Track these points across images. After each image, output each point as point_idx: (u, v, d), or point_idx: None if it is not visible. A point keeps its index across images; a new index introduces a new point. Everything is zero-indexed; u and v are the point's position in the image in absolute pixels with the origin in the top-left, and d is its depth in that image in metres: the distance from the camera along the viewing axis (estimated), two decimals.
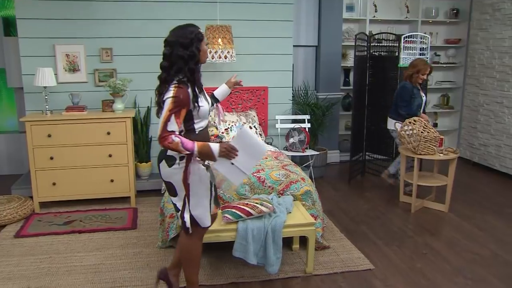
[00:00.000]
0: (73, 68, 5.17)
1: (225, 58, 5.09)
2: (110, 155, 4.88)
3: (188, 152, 2.60)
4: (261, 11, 5.64)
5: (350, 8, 6.75)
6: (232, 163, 2.73)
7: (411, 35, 5.59)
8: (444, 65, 7.18)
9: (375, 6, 6.77)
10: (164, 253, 3.93)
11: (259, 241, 3.47)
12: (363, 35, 5.77)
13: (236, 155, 2.69)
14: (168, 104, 2.58)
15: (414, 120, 4.86)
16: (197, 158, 2.70)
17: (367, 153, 6.19)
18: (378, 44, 5.89)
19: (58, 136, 4.73)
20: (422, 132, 4.73)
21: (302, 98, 6.07)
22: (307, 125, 5.59)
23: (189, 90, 2.66)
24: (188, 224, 2.85)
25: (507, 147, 6.06)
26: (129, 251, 3.97)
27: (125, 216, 4.69)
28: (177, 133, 2.60)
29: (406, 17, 6.92)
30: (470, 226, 4.59)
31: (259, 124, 5.52)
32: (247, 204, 3.55)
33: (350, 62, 6.74)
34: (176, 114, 2.59)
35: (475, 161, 6.68)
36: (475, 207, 5.09)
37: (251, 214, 3.49)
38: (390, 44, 5.71)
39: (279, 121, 5.64)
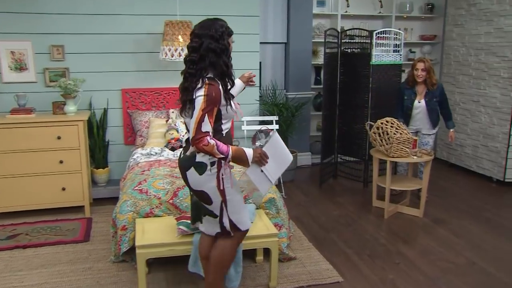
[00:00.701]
0: (19, 66, 4.77)
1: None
2: (61, 162, 4.49)
3: (222, 156, 2.45)
4: (225, 6, 5.31)
5: (321, 3, 6.47)
6: (262, 170, 2.63)
7: (383, 31, 5.33)
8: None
9: (347, 1, 6.50)
10: (117, 268, 3.58)
11: None
12: (333, 31, 5.48)
13: (267, 162, 2.62)
14: (200, 103, 2.41)
15: (386, 121, 4.59)
16: (230, 163, 2.55)
17: (339, 155, 5.91)
18: (350, 41, 5.61)
19: (1, 142, 4.33)
20: (394, 134, 4.46)
21: (270, 98, 5.76)
22: (275, 127, 5.28)
23: (220, 86, 2.50)
24: (228, 228, 2.73)
25: (484, 147, 5.84)
26: (79, 267, 3.62)
27: (77, 228, 4.32)
28: (211, 134, 2.44)
29: (380, 12, 6.67)
30: (446, 232, 4.33)
31: None
32: None
33: (321, 60, 6.44)
34: (209, 113, 2.42)
35: (452, 162, 6.46)
36: (451, 211, 4.85)
37: None
38: (362, 41, 5.43)
39: (245, 122, 5.32)
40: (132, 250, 3.43)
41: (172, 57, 4.72)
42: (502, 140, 5.56)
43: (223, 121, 2.58)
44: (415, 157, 4.51)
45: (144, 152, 4.58)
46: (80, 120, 4.51)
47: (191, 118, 2.43)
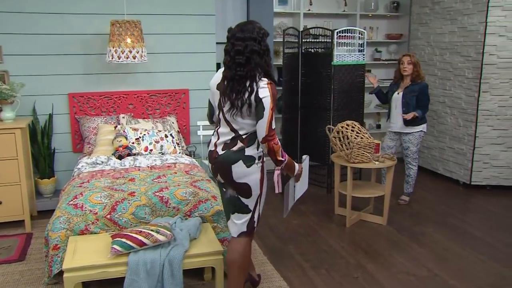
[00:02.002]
0: None
1: (134, 58, 4.44)
2: None
3: (281, 159, 2.66)
4: (178, 5, 5.02)
5: (283, 1, 6.22)
6: (295, 186, 2.89)
7: (345, 29, 5.10)
8: (386, 62, 6.77)
9: None
10: None
11: (154, 276, 2.87)
12: (293, 30, 5.23)
13: (299, 180, 2.91)
14: (269, 102, 2.55)
15: (347, 125, 4.36)
16: (281, 168, 2.74)
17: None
18: (314, 40, 5.36)
19: None
20: (355, 138, 4.24)
21: None
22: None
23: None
24: (256, 223, 2.89)
25: (450, 149, 5.67)
26: None
27: (14, 245, 3.97)
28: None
29: (344, 11, 6.45)
30: (409, 241, 4.12)
31: (178, 132, 4.90)
32: (141, 232, 2.93)
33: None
34: (274, 112, 2.60)
35: (419, 165, 6.26)
36: (416, 218, 4.65)
37: (145, 244, 2.89)
38: (323, 40, 5.20)
39: (201, 127, 5.03)
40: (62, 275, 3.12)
41: (119, 59, 4.41)
42: (467, 142, 5.39)
43: None
44: (377, 162, 4.29)
45: (89, 161, 4.26)
46: (17, 127, 4.17)
47: (261, 118, 2.55)
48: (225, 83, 2.63)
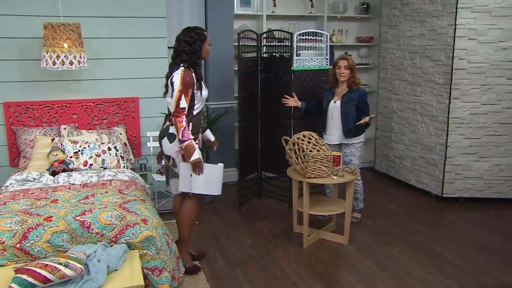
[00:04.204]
0: None
1: (70, 65, 4.04)
2: None
3: (181, 138, 3.20)
4: (125, 6, 4.65)
5: (246, 2, 5.85)
6: (191, 175, 3.30)
7: (306, 32, 4.74)
8: (357, 66, 6.39)
9: (274, 0, 5.90)
10: None
11: None
12: (249, 33, 4.86)
13: (199, 174, 3.31)
14: (177, 84, 3.19)
15: (304, 136, 4.00)
16: (181, 148, 3.28)
17: (263, 172, 5.28)
18: (272, 44, 5.01)
19: None
20: (310, 151, 3.87)
21: None
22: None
23: (193, 74, 3.26)
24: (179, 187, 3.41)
25: (422, 159, 5.33)
26: None
27: None
28: (186, 111, 3.21)
29: (311, 13, 6.10)
30: (370, 263, 3.76)
31: (124, 144, 4.50)
32: (46, 265, 2.52)
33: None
34: (185, 93, 3.20)
35: (391, 175, 5.93)
36: (381, 236, 4.28)
37: (50, 281, 2.48)
38: (282, 44, 4.85)
39: (151, 138, 4.64)
40: None
41: (54, 65, 4.01)
42: (439, 151, 5.05)
43: (195, 103, 3.33)
44: (335, 177, 3.92)
45: (19, 178, 3.84)
46: None
47: (171, 97, 3.23)
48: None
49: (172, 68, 3.32)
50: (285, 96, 4.58)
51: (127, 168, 4.25)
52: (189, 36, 3.29)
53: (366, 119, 4.20)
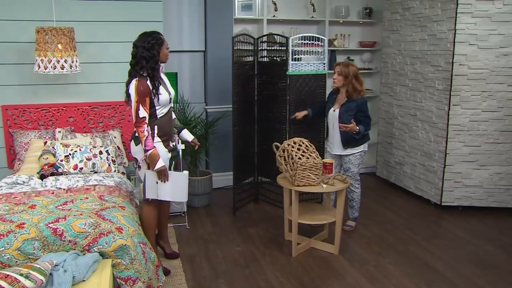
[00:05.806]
0: None
1: (62, 69, 4.06)
2: None
3: (144, 148, 3.26)
4: (122, 11, 4.67)
5: (247, 7, 5.81)
6: (157, 182, 3.40)
7: (302, 36, 4.69)
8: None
9: (275, 4, 5.85)
10: None
11: None
12: (246, 37, 4.83)
13: (164, 181, 3.40)
14: (133, 96, 3.23)
15: (294, 142, 3.94)
16: (146, 156, 3.32)
17: (260, 177, 5.23)
18: (268, 48, 4.96)
19: None
20: (299, 159, 3.81)
21: (177, 112, 5.07)
22: (181, 146, 4.59)
23: (148, 82, 3.27)
24: (146, 195, 3.47)
25: (422, 166, 5.22)
26: None
27: None
28: (147, 120, 3.26)
29: (312, 17, 6.03)
30: (359, 275, 3.67)
31: (118, 148, 4.51)
32: (7, 276, 2.48)
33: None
34: (142, 103, 3.24)
35: (391, 181, 5.83)
36: (373, 246, 4.19)
37: None
38: (279, 48, 4.80)
39: None
40: None
41: (45, 69, 4.04)
42: (438, 159, 4.94)
43: (157, 108, 3.35)
44: (325, 185, 3.86)
45: (9, 181, 3.87)
46: None
47: (131, 108, 3.27)
48: None
49: (132, 75, 3.31)
50: (296, 114, 4.60)
51: (118, 172, 4.26)
52: (146, 42, 3.28)
53: (348, 126, 4.12)
